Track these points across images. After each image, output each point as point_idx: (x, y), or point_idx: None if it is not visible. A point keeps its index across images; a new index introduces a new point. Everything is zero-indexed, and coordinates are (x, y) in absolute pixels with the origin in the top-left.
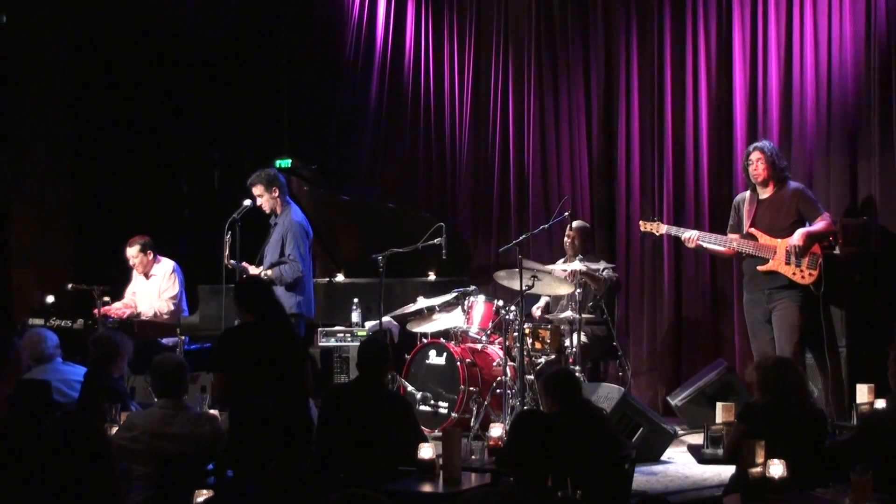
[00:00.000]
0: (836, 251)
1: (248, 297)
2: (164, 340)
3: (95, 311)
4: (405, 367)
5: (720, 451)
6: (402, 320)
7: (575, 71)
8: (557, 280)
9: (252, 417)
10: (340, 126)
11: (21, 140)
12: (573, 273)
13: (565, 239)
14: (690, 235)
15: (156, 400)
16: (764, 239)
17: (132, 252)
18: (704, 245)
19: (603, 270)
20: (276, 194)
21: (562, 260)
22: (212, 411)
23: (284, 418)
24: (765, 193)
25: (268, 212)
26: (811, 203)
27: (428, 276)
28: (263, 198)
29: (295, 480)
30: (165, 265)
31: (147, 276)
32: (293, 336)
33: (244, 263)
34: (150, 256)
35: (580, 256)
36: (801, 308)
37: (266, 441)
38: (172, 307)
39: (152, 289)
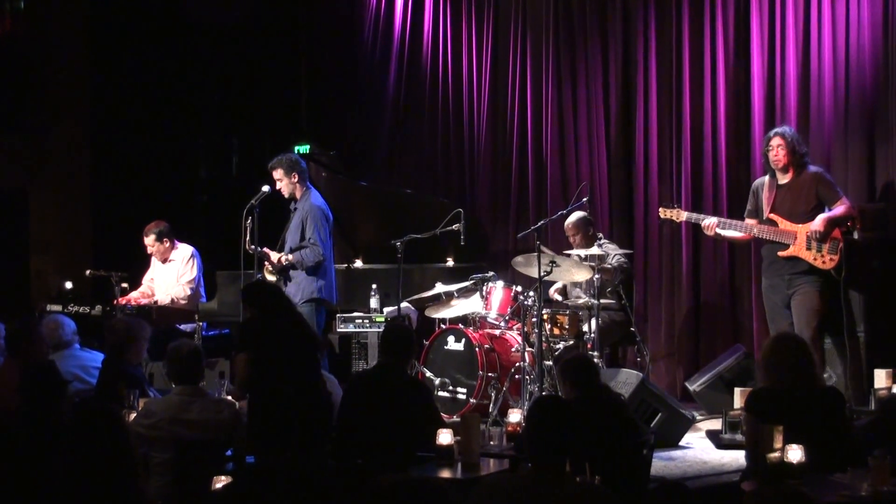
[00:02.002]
0: (855, 236)
1: (252, 298)
2: (183, 326)
3: (115, 301)
4: (423, 353)
5: (738, 437)
6: (421, 306)
7: (593, 56)
8: (575, 266)
9: (271, 403)
10: (359, 112)
11: (39, 126)
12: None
13: (569, 238)
14: (710, 223)
15: (173, 386)
16: (784, 224)
17: (148, 241)
18: (722, 233)
19: (613, 258)
20: (296, 179)
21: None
22: (229, 397)
23: (304, 404)
24: (784, 179)
25: (286, 196)
26: (830, 187)
27: (446, 261)
28: (283, 182)
29: (314, 466)
30: (184, 250)
31: (165, 261)
32: (308, 324)
33: (265, 249)
34: (167, 244)
35: (598, 242)
36: (822, 293)
37: (285, 427)
38: (189, 292)
39: (170, 274)
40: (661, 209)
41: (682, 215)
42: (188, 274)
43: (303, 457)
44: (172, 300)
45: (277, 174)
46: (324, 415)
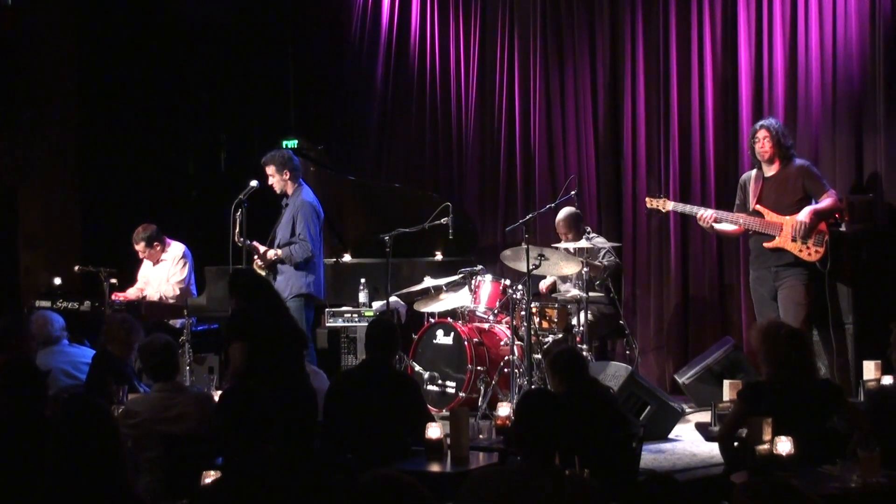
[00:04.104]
0: (842, 228)
1: (238, 288)
2: (172, 322)
3: (113, 296)
4: (413, 347)
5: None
6: (410, 300)
7: (581, 49)
8: (564, 259)
9: (243, 400)
10: (347, 106)
11: (28, 123)
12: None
13: (562, 236)
14: (707, 214)
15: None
16: (770, 216)
17: (139, 248)
18: (716, 227)
19: (603, 256)
20: (288, 177)
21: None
22: (214, 392)
23: (287, 399)
24: (770, 171)
25: (278, 192)
26: (817, 180)
27: (435, 255)
28: (275, 178)
29: (301, 461)
30: (175, 250)
31: (157, 263)
32: (291, 317)
33: (254, 242)
34: (158, 248)
35: (586, 236)
36: (808, 285)
37: (258, 423)
38: (178, 292)
39: (162, 273)
40: (647, 199)
41: (668, 205)
42: (177, 275)
43: (288, 452)
44: (161, 298)
45: (270, 170)
46: (309, 410)
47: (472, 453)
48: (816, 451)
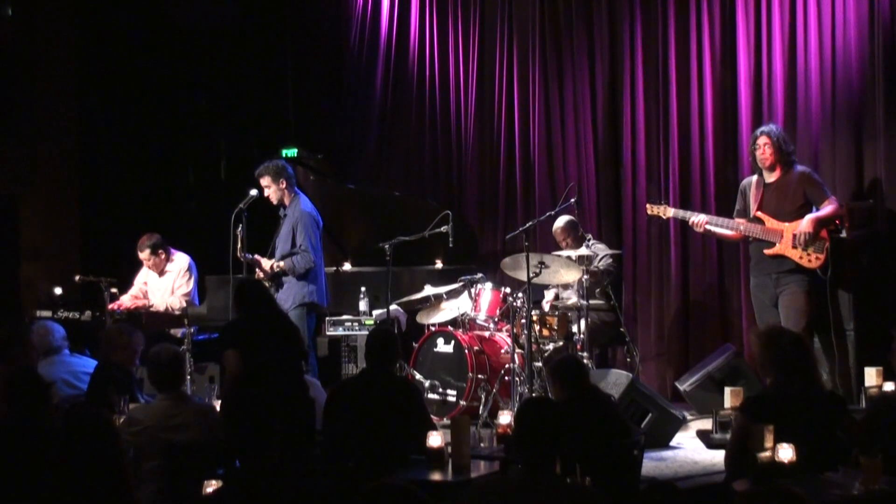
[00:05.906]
0: (843, 234)
1: (242, 299)
2: (173, 331)
3: (110, 306)
4: (413, 356)
5: (729, 436)
6: (410, 309)
7: (580, 57)
8: (564, 266)
9: (248, 408)
10: (346, 115)
11: (28, 133)
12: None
13: (560, 243)
14: (699, 220)
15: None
16: (771, 223)
17: (144, 256)
18: (712, 229)
19: (600, 261)
20: (284, 186)
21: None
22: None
23: (286, 408)
24: (771, 177)
25: (275, 203)
26: (818, 186)
27: (435, 264)
28: (271, 189)
29: (302, 470)
30: (180, 261)
31: (162, 273)
32: (293, 328)
33: (256, 256)
34: (163, 256)
35: (586, 243)
36: (808, 292)
37: (264, 431)
38: (184, 304)
39: (166, 284)
40: (648, 206)
41: (669, 212)
42: (184, 287)
43: (288, 461)
44: (167, 308)
45: (265, 181)
46: (307, 419)
47: (473, 462)
48: (819, 460)
